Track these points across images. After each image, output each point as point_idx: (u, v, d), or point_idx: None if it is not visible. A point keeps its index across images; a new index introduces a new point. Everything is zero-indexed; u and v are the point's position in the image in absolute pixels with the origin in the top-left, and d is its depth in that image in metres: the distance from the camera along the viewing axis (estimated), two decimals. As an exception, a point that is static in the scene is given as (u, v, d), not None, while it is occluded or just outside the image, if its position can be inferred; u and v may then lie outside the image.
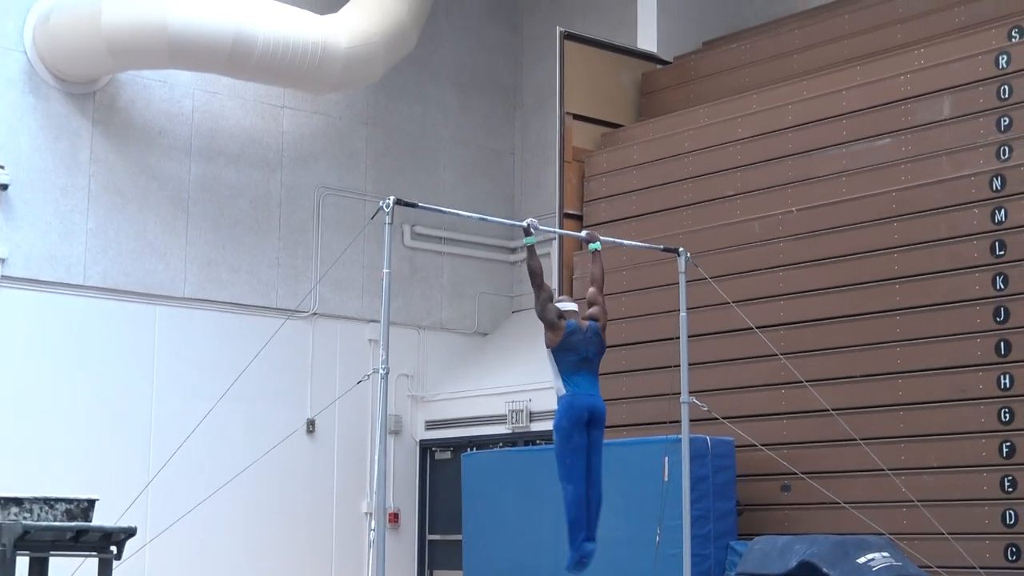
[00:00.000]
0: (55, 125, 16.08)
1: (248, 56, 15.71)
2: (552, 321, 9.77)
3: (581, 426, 9.81)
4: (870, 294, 12.63)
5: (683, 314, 11.30)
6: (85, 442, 15.74)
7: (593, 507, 9.92)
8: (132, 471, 15.33)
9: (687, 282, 11.43)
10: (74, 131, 16.21)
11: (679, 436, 11.27)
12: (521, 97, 20.53)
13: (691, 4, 17.35)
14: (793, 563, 11.55)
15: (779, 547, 11.86)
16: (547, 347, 9.88)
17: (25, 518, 9.38)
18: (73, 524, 9.56)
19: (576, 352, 9.83)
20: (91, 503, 9.81)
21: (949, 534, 11.15)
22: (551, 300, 9.87)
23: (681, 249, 11.46)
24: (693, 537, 11.41)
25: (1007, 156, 11.88)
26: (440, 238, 19.41)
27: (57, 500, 9.65)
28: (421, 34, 17.88)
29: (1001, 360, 11.59)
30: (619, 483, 13.03)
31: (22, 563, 9.38)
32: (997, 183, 11.84)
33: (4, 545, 9.11)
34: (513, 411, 17.48)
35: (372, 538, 9.71)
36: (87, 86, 16.31)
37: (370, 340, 18.20)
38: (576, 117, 15.88)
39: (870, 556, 11.39)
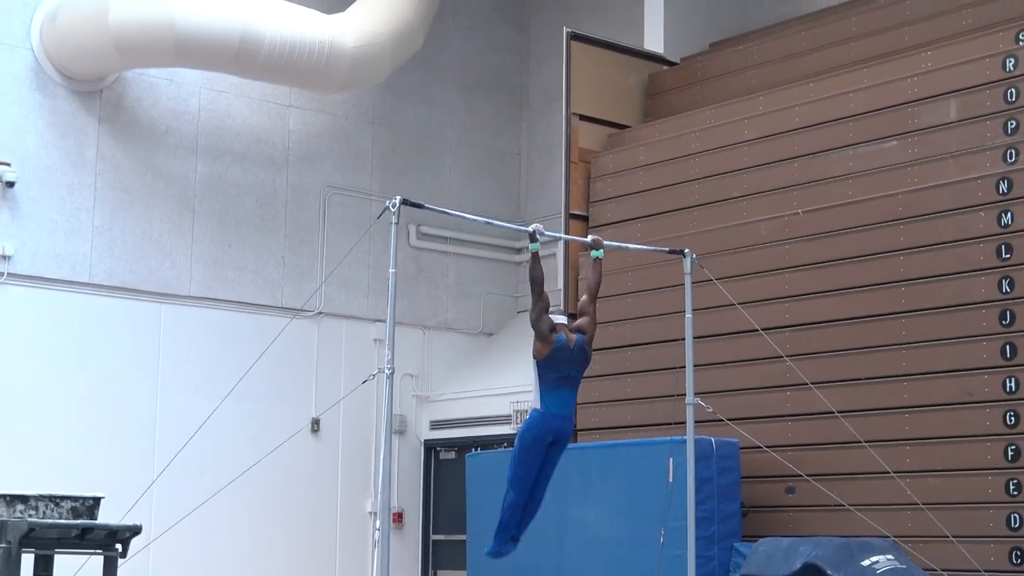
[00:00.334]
0: (61, 123, 16.09)
1: (255, 55, 15.72)
2: (544, 333, 9.74)
3: (543, 444, 9.86)
4: (876, 296, 12.62)
5: (689, 315, 11.28)
6: (90, 439, 15.75)
7: (528, 515, 10.06)
8: (137, 469, 15.36)
9: (693, 283, 11.42)
10: (80, 129, 16.22)
11: (684, 437, 11.26)
12: (527, 98, 20.53)
13: (698, 5, 17.35)
14: (797, 565, 11.55)
15: (783, 549, 11.87)
16: (533, 358, 9.86)
17: (30, 515, 9.39)
18: (78, 522, 9.57)
19: (559, 370, 9.80)
20: (96, 501, 9.82)
21: (954, 537, 11.14)
22: (547, 311, 9.82)
23: (687, 251, 11.45)
24: (697, 538, 11.40)
25: (1014, 159, 11.87)
26: (446, 238, 19.41)
27: (62, 498, 9.66)
28: (428, 34, 17.88)
29: (1007, 363, 11.58)
30: (623, 484, 13.07)
31: (27, 560, 9.39)
32: (1004, 186, 11.83)
33: (10, 542, 9.13)
34: (518, 411, 17.47)
35: (376, 538, 9.70)
36: (94, 84, 16.33)
37: (375, 340, 18.20)
38: (583, 118, 15.87)
39: (874, 559, 11.39)
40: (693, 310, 11.36)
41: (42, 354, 15.65)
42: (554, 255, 17.03)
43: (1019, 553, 11.25)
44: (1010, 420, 11.50)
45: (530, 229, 10.00)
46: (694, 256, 11.43)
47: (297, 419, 16.84)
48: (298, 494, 17.44)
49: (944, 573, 11.25)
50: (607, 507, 13.26)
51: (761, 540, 12.33)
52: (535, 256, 9.85)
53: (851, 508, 11.80)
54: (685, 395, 11.21)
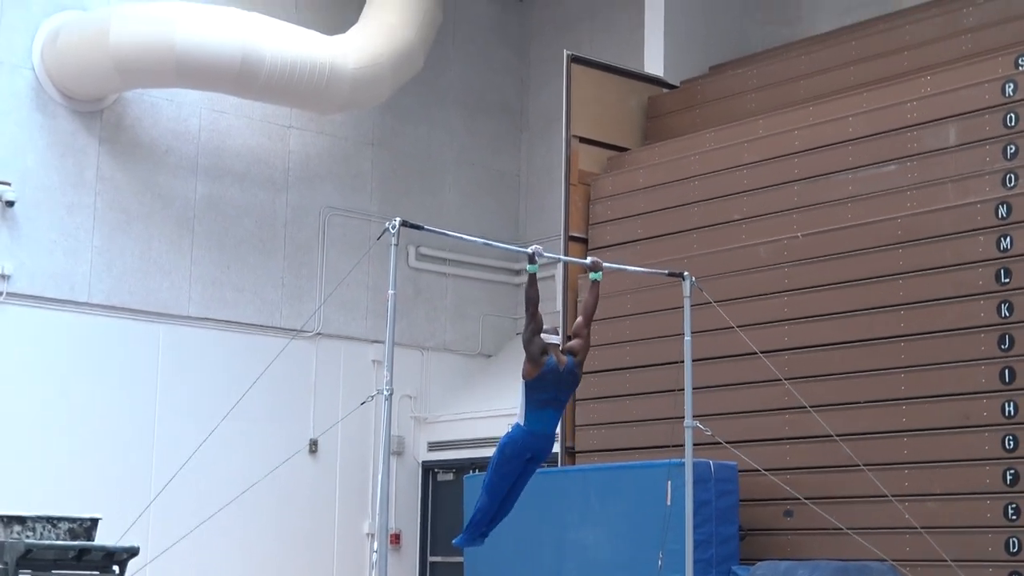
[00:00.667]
0: (62, 143, 16.11)
1: (255, 76, 15.74)
2: (534, 355, 9.76)
3: (522, 459, 9.94)
4: (875, 320, 12.62)
5: (687, 338, 11.29)
6: (88, 460, 15.73)
7: (498, 519, 10.22)
8: (135, 490, 15.33)
9: (692, 306, 11.42)
10: (81, 149, 16.24)
11: (682, 460, 11.25)
12: (527, 120, 20.56)
13: (698, 29, 17.39)
14: (796, 589, 11.54)
15: (781, 572, 11.85)
16: (522, 377, 9.89)
17: (28, 537, 9.39)
18: (76, 543, 9.57)
19: (546, 391, 9.83)
20: (94, 522, 9.83)
21: (953, 561, 11.12)
22: (539, 333, 9.84)
23: (686, 273, 11.46)
24: (696, 562, 11.38)
25: (1013, 184, 11.88)
26: (444, 260, 19.42)
27: (60, 519, 9.67)
28: (428, 56, 17.93)
29: (1006, 388, 11.57)
30: (621, 507, 13.04)
31: (24, 581, 9.39)
32: (1003, 211, 11.84)
33: (7, 563, 9.12)
34: (515, 434, 17.43)
35: (374, 559, 9.70)
36: (94, 104, 16.35)
37: (373, 361, 18.21)
38: (582, 140, 15.89)
39: (873, 583, 11.38)
40: (692, 333, 11.36)
41: (40, 374, 15.64)
42: (553, 277, 17.05)
43: (1018, 578, 11.24)
44: (1009, 444, 11.48)
45: (529, 250, 10.01)
46: (693, 279, 11.44)
47: (295, 440, 16.83)
48: (296, 515, 17.41)
49: (943, 597, 11.24)
50: (605, 530, 13.24)
51: (759, 564, 12.30)
52: (532, 277, 9.86)
53: (849, 532, 11.78)
54: (684, 418, 11.20)
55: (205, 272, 17.12)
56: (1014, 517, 11.34)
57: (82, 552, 9.53)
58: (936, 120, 12.65)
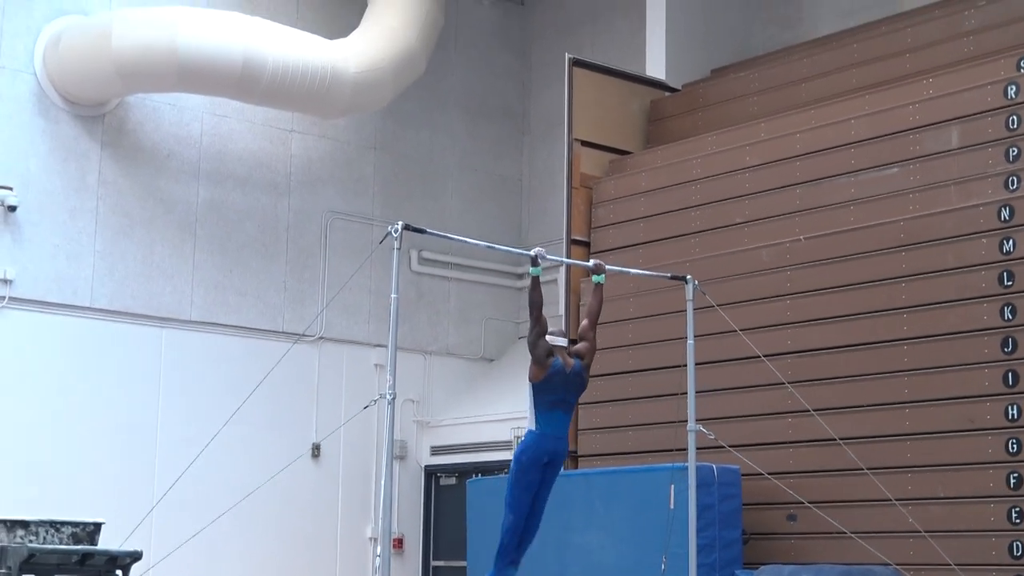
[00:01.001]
0: (64, 147, 16.11)
1: (257, 80, 15.74)
2: (540, 358, 9.79)
3: (539, 466, 9.92)
4: (878, 323, 12.60)
5: (690, 342, 11.28)
6: (91, 464, 15.72)
7: (527, 537, 10.10)
8: (137, 494, 15.33)
9: (695, 310, 11.41)
10: (83, 153, 16.24)
11: (685, 464, 11.24)
12: (529, 123, 20.56)
13: (700, 32, 17.38)
14: (799, 593, 11.53)
15: (785, 576, 11.85)
16: (529, 380, 9.90)
17: (31, 541, 9.38)
18: (79, 547, 9.56)
19: (554, 393, 9.86)
20: (97, 526, 9.81)
21: (956, 565, 11.11)
22: (543, 335, 9.85)
23: (689, 277, 11.46)
24: (699, 566, 11.37)
25: (1015, 186, 11.87)
26: (447, 264, 19.42)
27: (63, 523, 9.66)
28: (429, 60, 17.93)
29: (1009, 391, 11.56)
30: (625, 511, 13.03)
31: (27, 586, 9.38)
32: (1005, 213, 11.83)
33: (10, 568, 9.11)
34: (518, 437, 17.35)
35: (377, 564, 9.68)
36: (96, 109, 16.36)
37: (376, 365, 18.19)
38: (584, 143, 15.89)
39: (877, 586, 11.37)
40: (695, 336, 11.35)
41: (43, 378, 15.64)
42: (555, 280, 17.03)
43: (1022, 581, 11.22)
44: (1012, 448, 11.47)
45: (532, 253, 10.03)
46: (696, 282, 11.43)
47: (298, 444, 16.82)
48: (298, 519, 17.40)
49: (946, 601, 11.23)
50: (608, 534, 13.23)
51: (762, 568, 12.29)
52: (535, 280, 9.87)
53: (853, 536, 11.76)
54: (687, 422, 11.18)
55: (207, 276, 17.12)
56: (1018, 521, 11.32)
57: (85, 556, 9.52)
58: (938, 123, 12.65)
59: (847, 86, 14.39)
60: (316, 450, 17.53)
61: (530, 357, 9.83)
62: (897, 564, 11.67)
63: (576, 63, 15.97)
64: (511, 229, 20.10)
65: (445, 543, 18.35)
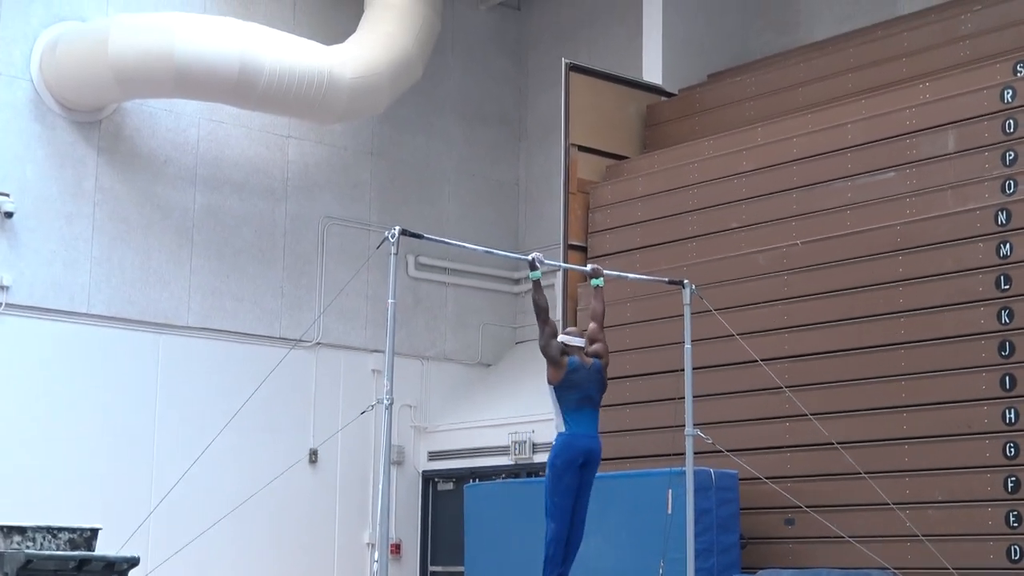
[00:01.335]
0: (61, 153, 16.11)
1: (254, 85, 15.75)
2: (555, 358, 9.76)
3: (575, 467, 9.86)
4: (875, 327, 12.61)
5: (688, 346, 11.28)
6: (88, 470, 15.72)
7: (573, 546, 10.04)
8: (134, 500, 15.32)
9: (692, 314, 11.42)
10: (79, 159, 16.24)
11: (683, 468, 11.23)
12: (526, 128, 20.57)
13: (696, 37, 17.39)
14: (797, 597, 11.52)
15: (783, 581, 11.84)
16: (548, 383, 9.87)
17: (28, 547, 9.37)
18: (76, 553, 9.55)
19: (578, 389, 9.82)
20: (94, 532, 9.81)
21: (954, 569, 11.10)
22: (555, 336, 9.84)
23: (686, 281, 11.46)
24: (697, 570, 11.35)
25: (1012, 190, 11.87)
26: (444, 269, 19.42)
27: (60, 529, 9.65)
28: (426, 65, 17.94)
29: (1006, 394, 11.56)
30: (622, 516, 13.01)
31: (24, 592, 9.36)
32: (1002, 217, 11.84)
33: (7, 574, 9.10)
34: (516, 442, 17.45)
35: (375, 569, 9.67)
36: (93, 114, 16.35)
37: (373, 370, 18.19)
38: (581, 148, 15.88)
39: (874, 590, 11.36)
40: (692, 341, 11.35)
41: (40, 384, 15.63)
42: (552, 286, 17.03)
43: (1019, 585, 11.22)
44: (1010, 451, 11.47)
45: (530, 257, 10.03)
46: (693, 287, 11.44)
47: (295, 450, 16.81)
48: (296, 525, 17.39)
49: (944, 605, 11.22)
50: (606, 539, 13.20)
51: (760, 572, 12.29)
52: (537, 284, 9.88)
53: (851, 540, 11.76)
54: (684, 426, 11.18)
55: (204, 282, 17.11)
56: (1015, 525, 11.32)
57: (82, 562, 9.51)
58: (935, 127, 12.64)
59: (843, 91, 14.40)
60: (313, 456, 17.51)
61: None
62: (895, 568, 11.66)
63: (573, 68, 15.97)
64: (508, 234, 20.10)
65: (443, 548, 18.34)
